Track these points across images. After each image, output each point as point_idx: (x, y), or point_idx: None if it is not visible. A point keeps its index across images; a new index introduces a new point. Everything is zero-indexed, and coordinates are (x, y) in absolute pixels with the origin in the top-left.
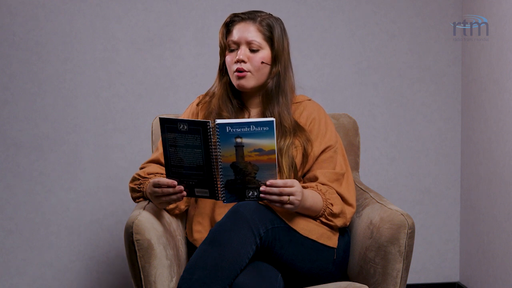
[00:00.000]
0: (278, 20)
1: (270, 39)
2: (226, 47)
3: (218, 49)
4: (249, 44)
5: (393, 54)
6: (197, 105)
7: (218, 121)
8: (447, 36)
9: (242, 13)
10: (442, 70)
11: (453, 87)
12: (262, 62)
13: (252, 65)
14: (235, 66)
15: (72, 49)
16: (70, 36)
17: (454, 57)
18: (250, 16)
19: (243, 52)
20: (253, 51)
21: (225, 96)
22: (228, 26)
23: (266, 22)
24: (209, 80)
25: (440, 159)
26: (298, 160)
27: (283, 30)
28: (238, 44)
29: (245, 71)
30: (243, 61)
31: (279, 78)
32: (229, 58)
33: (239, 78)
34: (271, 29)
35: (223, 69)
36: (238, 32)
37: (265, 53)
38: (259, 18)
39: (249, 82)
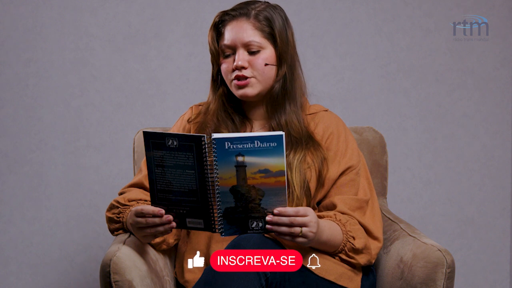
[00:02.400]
0: (276, 8)
1: (271, 36)
2: (219, 53)
3: None
4: (247, 46)
5: (429, 54)
6: (189, 121)
7: (215, 135)
8: None
9: (232, 9)
10: (489, 73)
11: (502, 94)
12: (266, 64)
13: (255, 69)
14: (234, 74)
15: (36, 48)
16: (33, 32)
17: (503, 58)
18: (242, 11)
19: (241, 56)
20: (252, 53)
21: (221, 111)
22: (217, 28)
23: (263, 15)
24: (203, 86)
25: (486, 182)
26: (313, 184)
27: (285, 20)
28: (233, 48)
29: (247, 77)
30: (243, 67)
31: (285, 81)
32: (225, 65)
33: (241, 87)
34: (270, 23)
35: (217, 79)
36: (231, 33)
37: (267, 53)
38: (253, 12)
39: (254, 89)
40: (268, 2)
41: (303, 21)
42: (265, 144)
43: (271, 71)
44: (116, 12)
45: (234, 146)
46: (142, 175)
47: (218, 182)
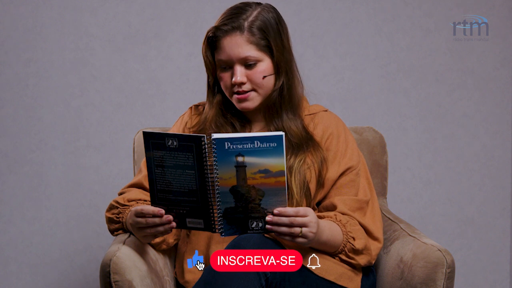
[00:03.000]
0: (269, 11)
1: (267, 47)
2: (215, 66)
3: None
4: (243, 61)
5: (429, 54)
6: (188, 126)
7: (215, 135)
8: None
9: (224, 23)
10: (489, 73)
11: (502, 94)
12: (264, 77)
13: (253, 82)
14: (234, 89)
15: (36, 48)
16: (33, 32)
17: (503, 58)
18: (234, 24)
19: (239, 72)
20: (249, 66)
21: (219, 117)
22: (211, 41)
23: (256, 27)
24: (203, 86)
25: (486, 182)
26: (312, 184)
27: (278, 23)
28: (230, 64)
29: (246, 91)
30: (242, 83)
31: (282, 88)
32: (223, 80)
33: (241, 100)
34: (265, 34)
35: (213, 88)
36: (226, 49)
37: (264, 65)
38: (246, 24)
39: (254, 101)
40: (259, 4)
41: (303, 21)
42: (265, 145)
43: (270, 81)
44: (116, 12)
45: (234, 146)
46: (142, 175)
47: (218, 182)
